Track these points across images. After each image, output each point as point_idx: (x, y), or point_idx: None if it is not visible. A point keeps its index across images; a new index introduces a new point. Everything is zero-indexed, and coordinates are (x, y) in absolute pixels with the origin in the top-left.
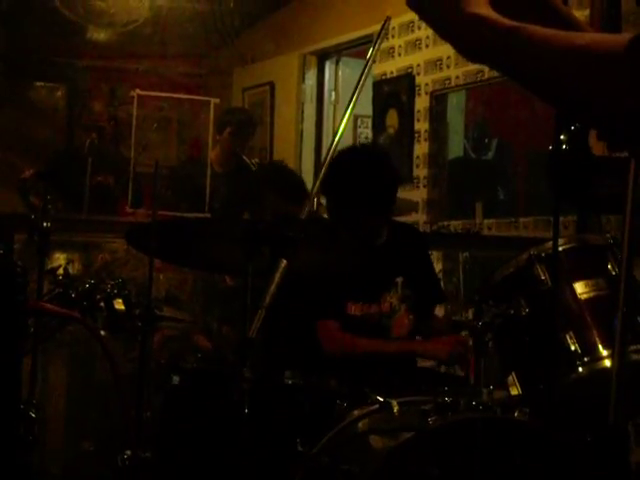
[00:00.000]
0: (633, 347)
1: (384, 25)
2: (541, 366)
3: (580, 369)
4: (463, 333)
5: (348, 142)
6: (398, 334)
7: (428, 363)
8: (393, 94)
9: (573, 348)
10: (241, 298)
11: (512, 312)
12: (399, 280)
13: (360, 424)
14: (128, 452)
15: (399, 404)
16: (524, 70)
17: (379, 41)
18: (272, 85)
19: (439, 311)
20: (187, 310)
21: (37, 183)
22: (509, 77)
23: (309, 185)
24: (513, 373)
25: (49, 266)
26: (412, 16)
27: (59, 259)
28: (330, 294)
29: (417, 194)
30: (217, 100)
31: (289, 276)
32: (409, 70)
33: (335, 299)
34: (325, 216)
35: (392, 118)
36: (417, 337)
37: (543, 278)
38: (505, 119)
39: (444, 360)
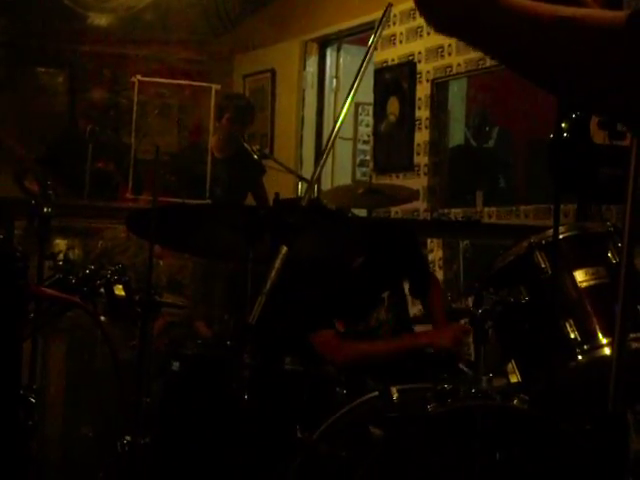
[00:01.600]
0: (633, 335)
1: (385, 12)
2: (541, 354)
3: (580, 357)
4: (463, 321)
5: (349, 129)
6: None
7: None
8: (394, 81)
9: (573, 336)
10: (242, 284)
11: (512, 300)
12: (385, 295)
13: (359, 411)
14: (128, 438)
15: (398, 391)
16: (511, 44)
17: (380, 28)
18: (273, 72)
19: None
20: (187, 296)
21: (32, 165)
22: (494, 53)
23: (309, 172)
24: (513, 361)
25: (49, 251)
26: (413, 3)
27: (59, 245)
28: (319, 315)
29: (418, 182)
30: (218, 86)
31: (289, 268)
32: (410, 57)
33: (325, 320)
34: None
35: (393, 105)
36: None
37: (543, 266)
38: (506, 107)
39: (450, 347)
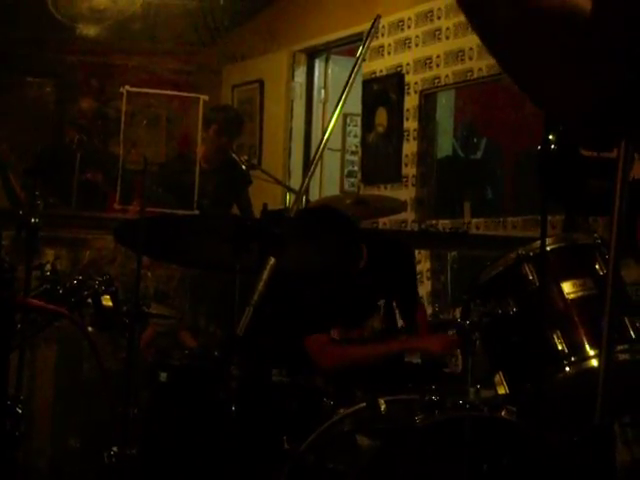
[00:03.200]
0: (620, 347)
1: (374, 23)
2: (528, 365)
3: (567, 368)
4: (450, 332)
5: (337, 140)
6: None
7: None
8: (382, 93)
9: (560, 347)
10: (229, 295)
11: (500, 311)
12: (381, 303)
13: (346, 422)
14: (114, 449)
15: (386, 402)
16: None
17: (369, 39)
18: (261, 83)
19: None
20: (175, 307)
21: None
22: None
23: (297, 183)
24: (500, 372)
25: (37, 262)
26: (402, 15)
27: (47, 255)
28: (315, 321)
29: (405, 193)
30: (206, 97)
31: (277, 279)
32: (398, 69)
33: (321, 326)
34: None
35: (381, 117)
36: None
37: (531, 278)
38: (494, 119)
39: (436, 354)
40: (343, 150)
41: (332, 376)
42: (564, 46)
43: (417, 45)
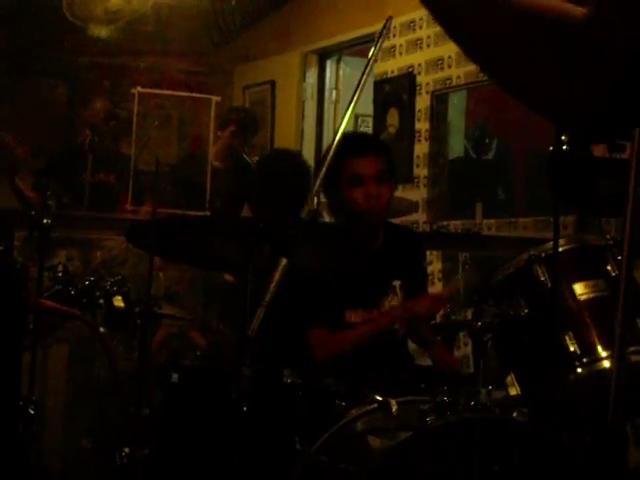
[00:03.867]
0: (632, 348)
1: (385, 24)
2: (540, 366)
3: (579, 370)
4: (462, 333)
5: None
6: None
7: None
8: (394, 93)
9: (572, 349)
10: (240, 296)
11: (511, 312)
12: (397, 284)
13: (358, 423)
14: (126, 449)
15: (398, 403)
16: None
17: (380, 40)
18: (273, 83)
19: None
20: (186, 308)
21: (25, 158)
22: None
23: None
24: (512, 373)
25: (49, 263)
26: (413, 16)
27: (59, 256)
28: (329, 302)
29: (417, 194)
30: (218, 98)
31: (289, 276)
32: (410, 69)
33: (333, 307)
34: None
35: (393, 117)
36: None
37: (543, 279)
38: (506, 119)
39: (423, 315)
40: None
41: (332, 367)
42: (557, 48)
43: (429, 46)
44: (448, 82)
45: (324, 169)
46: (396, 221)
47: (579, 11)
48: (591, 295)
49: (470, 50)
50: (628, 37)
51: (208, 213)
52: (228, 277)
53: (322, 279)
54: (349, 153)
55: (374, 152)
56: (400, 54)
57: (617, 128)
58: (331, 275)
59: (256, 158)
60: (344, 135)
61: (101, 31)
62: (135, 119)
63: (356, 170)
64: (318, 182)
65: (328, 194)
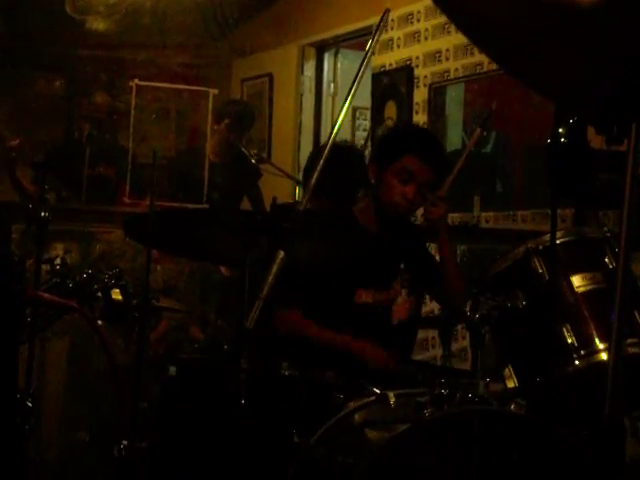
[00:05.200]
0: (630, 340)
1: (383, 17)
2: (538, 359)
3: (577, 362)
4: (460, 326)
5: (347, 134)
6: (397, 319)
7: (423, 355)
8: (392, 86)
9: (570, 341)
10: (238, 289)
11: (509, 305)
12: (402, 266)
13: (356, 416)
14: (124, 442)
15: (395, 396)
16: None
17: (378, 33)
18: (271, 76)
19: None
20: (184, 301)
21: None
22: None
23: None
24: (510, 365)
25: (47, 256)
26: (411, 8)
27: (57, 249)
28: (340, 283)
29: None
30: (216, 91)
31: (290, 265)
32: (408, 62)
33: (345, 288)
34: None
35: (391, 110)
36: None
37: (540, 271)
38: (504, 112)
39: (370, 364)
40: (353, 143)
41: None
42: (566, 33)
43: (426, 38)
44: (446, 75)
45: (322, 161)
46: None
47: None
48: (589, 287)
49: (476, 37)
50: (633, 24)
51: (206, 206)
52: (224, 270)
53: (331, 263)
54: (414, 149)
55: (436, 162)
56: (398, 47)
57: (626, 114)
58: (338, 257)
59: (254, 151)
60: (417, 129)
61: (99, 24)
62: (133, 112)
63: (411, 168)
64: (316, 174)
65: (374, 167)
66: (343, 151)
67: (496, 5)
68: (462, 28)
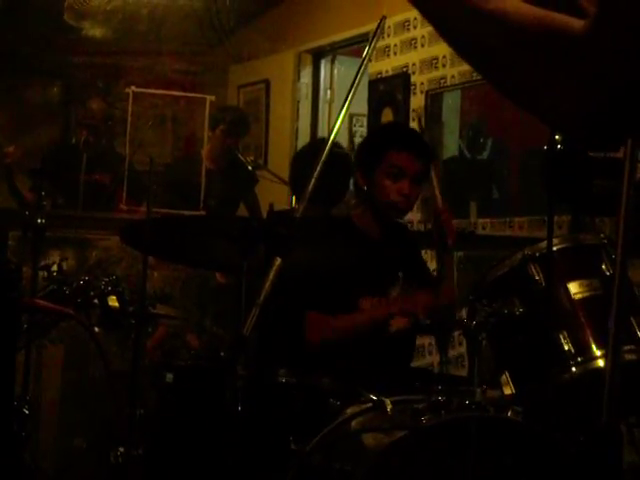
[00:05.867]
0: (626, 347)
1: (380, 24)
2: (534, 366)
3: (573, 369)
4: (457, 333)
5: (343, 140)
6: (396, 327)
7: (421, 362)
8: (388, 93)
9: (567, 348)
10: (234, 296)
11: (506, 311)
12: (400, 275)
13: (353, 422)
14: (121, 449)
15: (392, 403)
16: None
17: (375, 40)
18: (267, 83)
19: None
20: (180, 308)
21: (21, 159)
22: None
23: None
24: (506, 372)
25: (43, 262)
26: (408, 15)
27: (53, 256)
28: (340, 289)
29: None
30: (212, 97)
31: (286, 273)
32: (404, 69)
33: (345, 294)
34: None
35: (387, 117)
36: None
37: (537, 278)
38: (500, 119)
39: (421, 315)
40: (349, 150)
41: (332, 361)
42: (556, 60)
43: (423, 45)
44: (442, 82)
45: (319, 168)
46: None
47: (577, 23)
48: (585, 294)
49: (465, 56)
50: (630, 50)
51: (203, 213)
52: (220, 277)
53: (329, 270)
54: (396, 144)
55: (420, 151)
56: (394, 54)
57: (615, 137)
58: (341, 264)
59: (251, 158)
60: (391, 124)
61: (96, 31)
62: (129, 119)
63: (397, 163)
64: (313, 181)
65: (361, 173)
66: (333, 157)
67: (488, 31)
68: (450, 43)
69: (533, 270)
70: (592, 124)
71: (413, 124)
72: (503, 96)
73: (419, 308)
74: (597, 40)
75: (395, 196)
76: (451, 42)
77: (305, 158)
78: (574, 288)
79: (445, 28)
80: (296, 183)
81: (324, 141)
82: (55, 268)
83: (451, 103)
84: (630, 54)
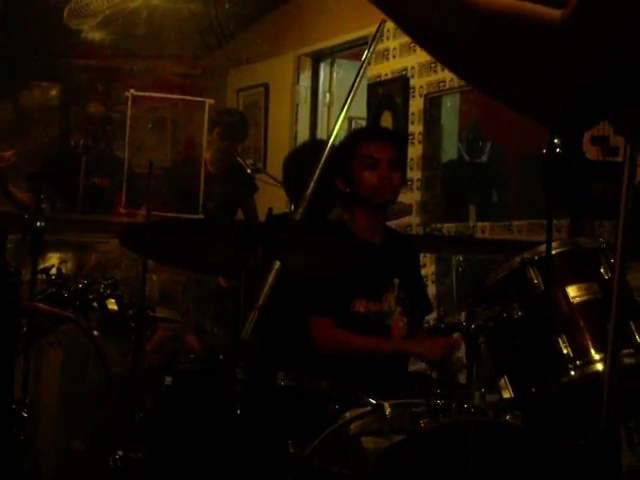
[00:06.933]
0: (625, 351)
1: (379, 27)
2: (533, 369)
3: (572, 372)
4: (455, 335)
5: None
6: (396, 335)
7: (418, 366)
8: (387, 96)
9: (565, 352)
10: (235, 298)
11: (505, 315)
12: (396, 282)
13: (352, 426)
14: (120, 452)
15: (391, 406)
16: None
17: (374, 43)
18: (266, 86)
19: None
20: (180, 310)
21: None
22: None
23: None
24: (505, 376)
25: (42, 266)
26: None
27: (52, 259)
28: (336, 292)
29: (411, 196)
30: (212, 101)
31: (286, 276)
32: (404, 72)
33: (342, 296)
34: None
35: (386, 120)
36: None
37: (536, 282)
38: (499, 122)
39: (437, 361)
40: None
41: (331, 365)
42: (532, 50)
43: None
44: (441, 85)
45: (318, 171)
46: (390, 224)
47: (552, 12)
48: (584, 298)
49: (438, 54)
50: (610, 37)
51: (202, 216)
52: (222, 280)
53: (326, 272)
54: (364, 137)
55: (388, 139)
56: (394, 57)
57: (588, 124)
58: (337, 266)
59: (250, 161)
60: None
61: (95, 34)
62: (128, 122)
63: (370, 153)
64: (312, 185)
65: (339, 177)
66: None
67: (457, 21)
68: (423, 46)
69: (532, 274)
70: (568, 111)
71: (413, 127)
72: (479, 90)
73: (436, 354)
74: (577, 28)
75: (376, 181)
76: (412, 32)
77: (298, 160)
78: (573, 292)
79: (408, 18)
80: (290, 186)
81: (316, 143)
82: (54, 271)
83: (450, 106)
84: (611, 42)
